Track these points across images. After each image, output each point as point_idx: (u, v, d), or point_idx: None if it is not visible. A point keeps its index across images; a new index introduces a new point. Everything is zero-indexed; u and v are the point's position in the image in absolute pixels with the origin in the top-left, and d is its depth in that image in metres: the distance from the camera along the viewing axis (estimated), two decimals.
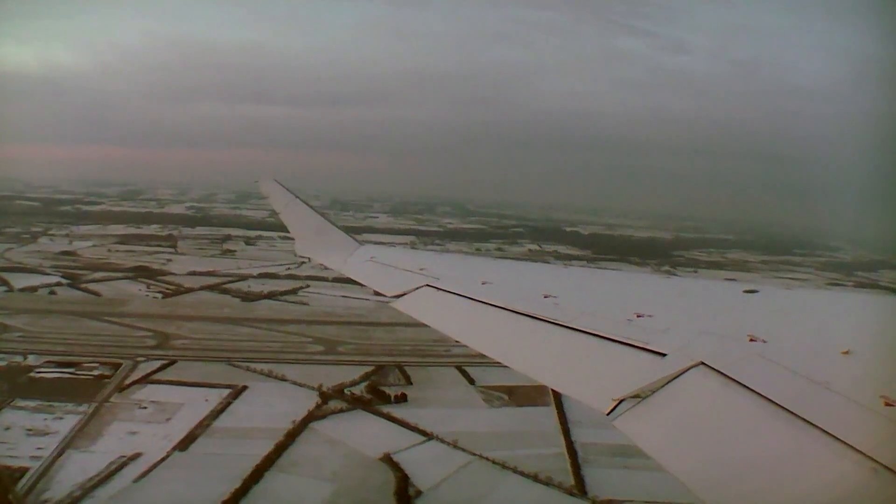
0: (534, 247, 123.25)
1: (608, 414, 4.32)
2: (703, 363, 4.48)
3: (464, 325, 7.42)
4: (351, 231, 13.59)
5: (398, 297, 8.32)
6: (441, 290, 8.15)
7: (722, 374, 4.26)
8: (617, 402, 4.39)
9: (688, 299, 6.93)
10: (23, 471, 33.57)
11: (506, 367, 5.84)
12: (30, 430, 38.66)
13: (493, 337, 6.82)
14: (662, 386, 4.38)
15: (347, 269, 11.17)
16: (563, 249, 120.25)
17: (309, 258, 12.96)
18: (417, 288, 8.39)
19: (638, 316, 5.74)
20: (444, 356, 53.62)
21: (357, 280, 10.24)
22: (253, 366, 50.46)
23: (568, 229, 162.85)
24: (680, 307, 6.42)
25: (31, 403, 42.44)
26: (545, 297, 6.92)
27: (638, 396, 4.37)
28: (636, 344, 5.12)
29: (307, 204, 14.64)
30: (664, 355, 4.82)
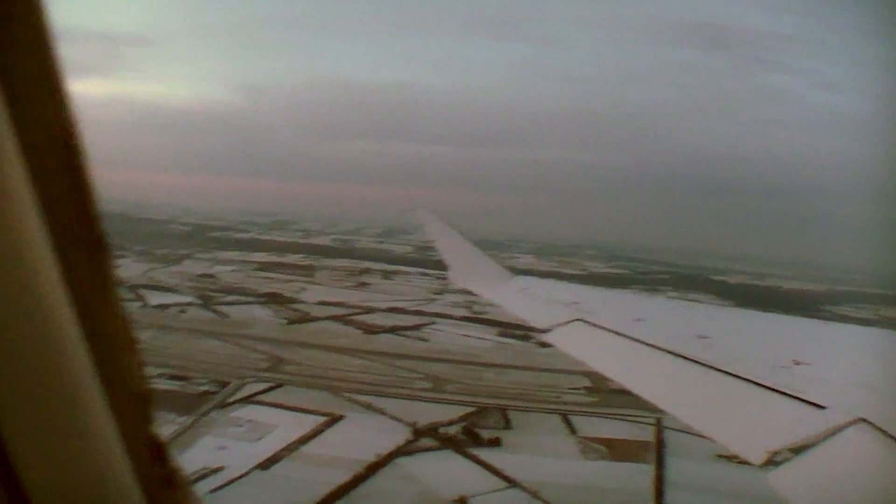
0: (675, 294, 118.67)
1: (761, 466, 4.40)
2: (863, 419, 4.52)
3: (615, 361, 7.85)
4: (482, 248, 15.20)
5: (549, 329, 8.97)
6: (593, 324, 8.62)
7: (885, 433, 4.29)
8: (770, 454, 4.48)
9: (848, 348, 7.10)
10: None
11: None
12: None
13: (643, 376, 7.20)
14: (820, 441, 4.45)
15: (499, 299, 12.01)
16: (705, 299, 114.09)
17: (465, 287, 14.09)
18: (570, 321, 8.92)
19: (795, 363, 5.93)
20: (551, 402, 53.98)
21: (509, 310, 11.23)
22: (356, 397, 53.12)
23: (714, 278, 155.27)
24: (840, 356, 6.67)
25: None
26: (698, 337, 7.34)
27: (793, 450, 4.45)
28: (792, 393, 5.25)
29: (460, 234, 16.24)
30: (822, 408, 4.90)
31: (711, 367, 6.10)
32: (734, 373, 5.82)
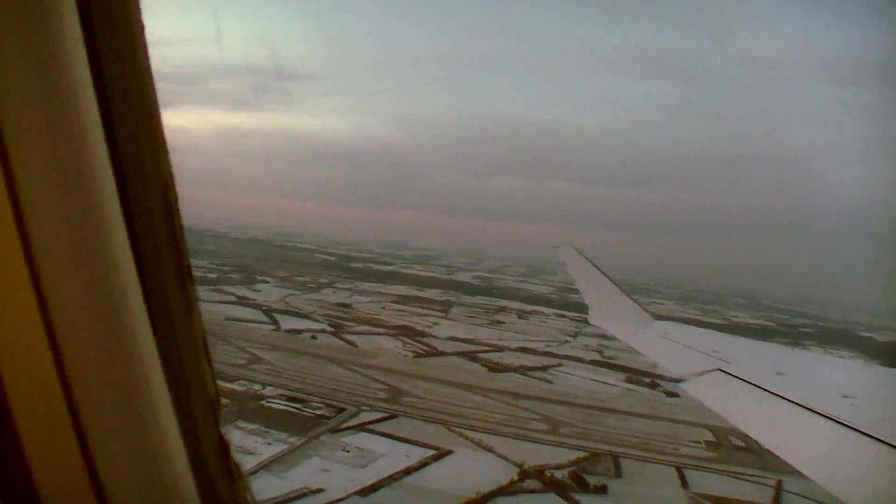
0: (820, 349, 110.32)
1: None
2: None
3: (753, 416, 8.00)
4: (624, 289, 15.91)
5: (686, 377, 9.34)
6: (732, 376, 8.83)
7: None
8: None
9: None
10: None
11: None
12: (239, 447, 47.01)
13: (780, 433, 7.33)
14: None
15: (638, 343, 12.46)
16: (852, 356, 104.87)
17: (603, 328, 14.92)
18: (708, 371, 9.13)
19: None
20: (668, 453, 52.93)
21: (646, 354, 11.84)
22: (468, 433, 54.28)
23: (863, 334, 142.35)
24: None
25: (251, 426, 51.55)
26: (843, 396, 7.45)
27: None
28: None
29: (604, 274, 16.90)
30: None
31: (856, 430, 6.04)
32: (880, 438, 5.70)
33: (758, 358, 10.51)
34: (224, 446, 1.16)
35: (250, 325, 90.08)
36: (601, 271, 16.54)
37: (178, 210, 1.14)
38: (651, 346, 11.74)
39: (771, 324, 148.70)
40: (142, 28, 1.06)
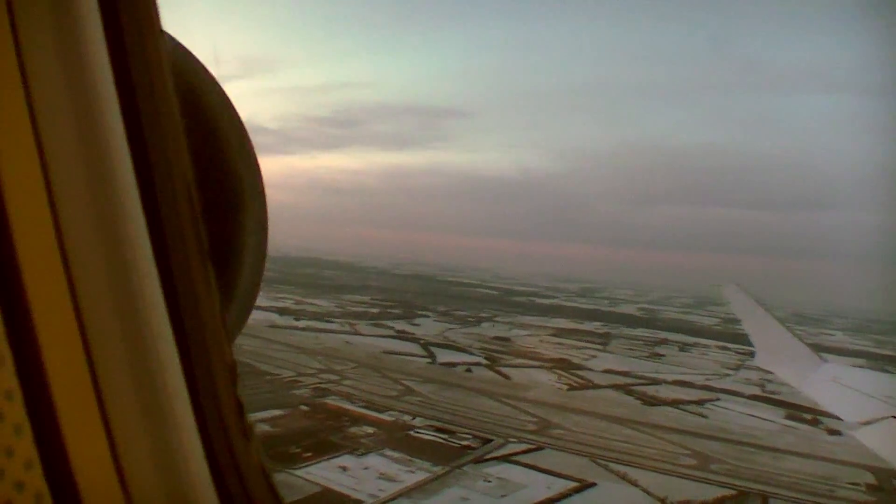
0: None
1: None
2: None
3: None
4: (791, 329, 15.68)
5: (857, 424, 9.16)
6: None
7: None
8: None
9: None
10: (357, 502, 43.33)
11: None
12: (382, 474, 49.08)
13: None
14: None
15: (805, 386, 12.32)
16: None
17: (770, 370, 14.87)
18: (882, 418, 8.96)
19: None
20: (821, 495, 49.23)
21: (814, 398, 11.76)
22: (613, 466, 53.33)
23: None
24: None
25: (396, 455, 53.43)
26: None
27: None
28: None
29: (771, 314, 16.70)
30: None
31: None
32: None
33: None
34: (240, 406, 1.22)
35: (406, 358, 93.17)
36: (766, 309, 16.11)
37: (196, 196, 1.22)
38: (821, 391, 11.54)
39: None
40: (160, 22, 1.11)
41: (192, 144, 1.37)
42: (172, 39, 1.51)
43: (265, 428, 58.60)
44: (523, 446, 58.44)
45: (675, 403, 76.92)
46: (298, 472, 49.24)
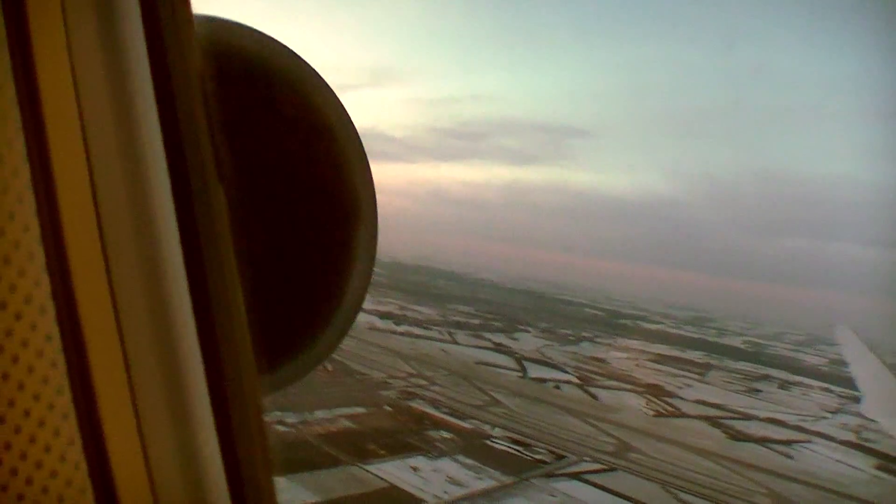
0: None
1: None
2: None
3: None
4: None
5: None
6: None
7: None
8: None
9: None
10: (419, 501, 45.69)
11: None
12: (450, 478, 51.19)
13: None
14: None
15: None
16: None
17: (876, 420, 16.27)
18: None
19: None
20: None
21: None
22: (683, 496, 53.37)
23: None
24: None
25: (469, 461, 55.47)
26: None
27: None
28: None
29: (884, 364, 18.23)
30: None
31: None
32: None
33: None
34: (259, 413, 1.21)
35: (499, 370, 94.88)
36: (879, 358, 16.16)
37: (226, 204, 1.22)
38: None
39: None
40: (192, 22, 1.15)
41: (307, 152, 1.54)
42: (285, 48, 1.61)
43: (347, 424, 61.95)
44: (596, 466, 59.17)
45: (762, 441, 75.14)
46: (370, 468, 52.12)
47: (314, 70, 1.65)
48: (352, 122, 1.68)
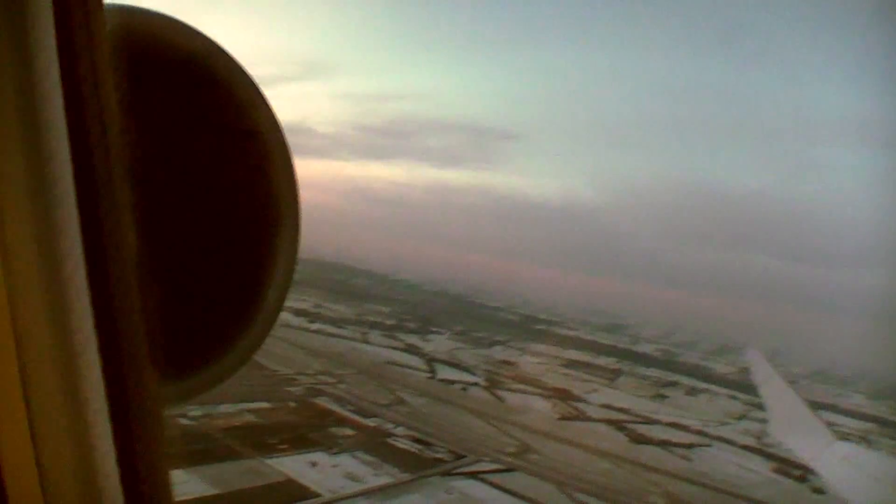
0: None
1: None
2: None
3: None
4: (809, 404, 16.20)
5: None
6: None
7: None
8: None
9: None
10: (314, 494, 46.14)
11: None
12: (349, 473, 51.61)
13: None
14: None
15: (817, 464, 12.51)
16: None
17: (783, 442, 15.14)
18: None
19: None
20: None
21: (826, 479, 11.74)
22: (579, 496, 55.10)
23: None
24: None
25: (369, 458, 56.01)
26: None
27: None
28: None
29: (790, 387, 16.92)
30: None
31: None
32: None
33: None
34: (159, 418, 1.21)
35: (408, 370, 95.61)
36: (786, 382, 16.45)
37: (130, 211, 1.17)
38: (831, 470, 11.46)
39: None
40: (102, 8, 1.11)
41: (228, 152, 1.49)
42: (206, 39, 1.54)
43: (250, 418, 61.74)
44: (495, 466, 60.39)
45: (663, 444, 77.93)
46: (269, 462, 52.15)
47: (238, 63, 1.61)
48: (277, 121, 1.65)
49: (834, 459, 11.57)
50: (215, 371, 1.56)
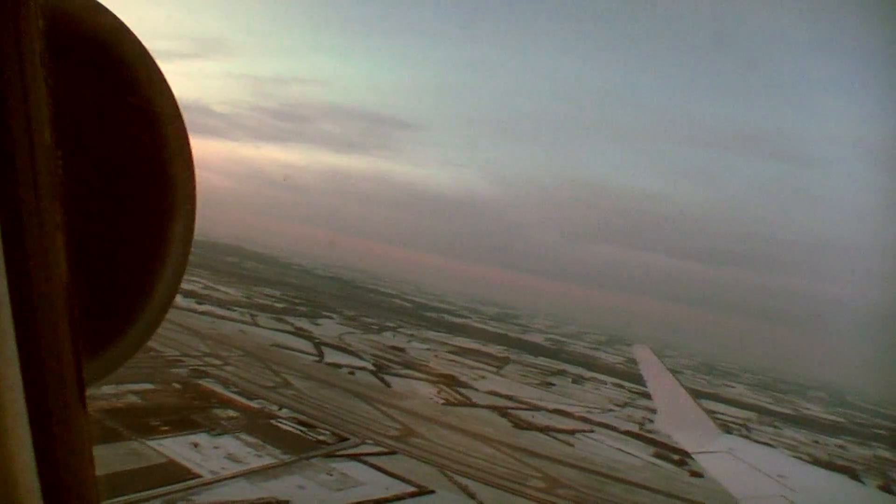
0: (889, 455, 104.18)
1: None
2: None
3: None
4: (695, 396, 16.79)
5: (746, 500, 9.65)
6: None
7: None
8: None
9: None
10: (195, 475, 46.24)
11: None
12: (230, 455, 51.80)
13: None
14: None
15: (701, 457, 12.80)
16: None
17: (668, 434, 15.16)
18: (771, 497, 9.46)
19: None
20: None
21: (710, 472, 12.01)
22: (458, 479, 56.95)
23: None
24: None
25: (251, 439, 56.19)
26: None
27: None
28: None
29: (677, 380, 17.26)
30: None
31: None
32: None
33: (829, 488, 10.60)
34: (84, 416, 1.21)
35: (295, 353, 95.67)
36: (672, 376, 17.04)
37: (62, 212, 1.14)
38: (714, 462, 11.85)
39: (842, 420, 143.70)
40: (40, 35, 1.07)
41: (122, 130, 1.43)
42: (101, 7, 1.45)
43: (133, 399, 60.83)
44: (377, 449, 61.73)
45: (546, 430, 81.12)
46: (151, 444, 51.67)
47: (135, 35, 1.54)
48: (175, 100, 1.59)
49: (717, 452, 12.20)
50: (108, 358, 1.53)
